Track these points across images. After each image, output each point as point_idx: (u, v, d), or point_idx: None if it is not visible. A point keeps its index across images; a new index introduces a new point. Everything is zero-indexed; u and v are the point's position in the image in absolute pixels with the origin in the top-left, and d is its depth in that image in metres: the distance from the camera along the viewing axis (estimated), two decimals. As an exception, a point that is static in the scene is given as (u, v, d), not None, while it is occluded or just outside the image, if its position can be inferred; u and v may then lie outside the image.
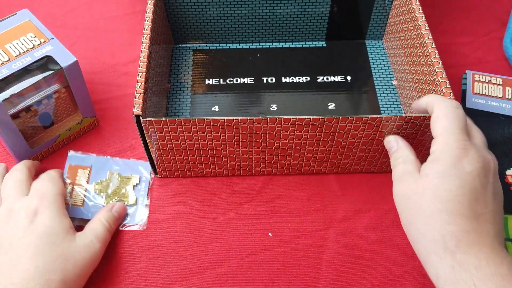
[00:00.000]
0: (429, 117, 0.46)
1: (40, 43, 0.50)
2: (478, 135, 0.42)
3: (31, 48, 0.50)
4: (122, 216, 0.51)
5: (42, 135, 0.55)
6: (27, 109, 0.51)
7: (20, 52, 0.49)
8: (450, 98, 0.47)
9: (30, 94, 0.50)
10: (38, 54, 0.49)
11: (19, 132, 0.50)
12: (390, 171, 0.55)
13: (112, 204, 0.51)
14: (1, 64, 0.48)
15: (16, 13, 0.53)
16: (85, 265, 0.44)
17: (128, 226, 0.51)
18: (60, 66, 0.49)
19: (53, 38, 0.51)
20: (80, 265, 0.43)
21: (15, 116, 0.50)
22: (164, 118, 0.45)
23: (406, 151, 0.44)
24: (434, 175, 0.38)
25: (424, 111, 0.45)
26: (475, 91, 0.62)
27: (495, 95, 0.62)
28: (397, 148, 0.45)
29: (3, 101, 0.46)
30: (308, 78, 0.63)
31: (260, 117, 0.45)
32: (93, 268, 0.45)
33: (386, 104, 0.61)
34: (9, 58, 0.48)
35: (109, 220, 0.48)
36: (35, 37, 0.51)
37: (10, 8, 0.72)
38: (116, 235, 0.50)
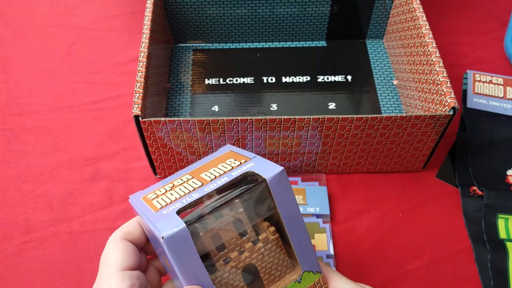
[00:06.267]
0: (430, 116, 0.46)
1: (240, 163, 0.36)
2: None
3: (228, 170, 0.35)
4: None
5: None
6: (227, 258, 0.33)
7: (216, 175, 0.34)
8: (450, 97, 0.47)
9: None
10: (236, 173, 0.34)
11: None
12: (390, 171, 0.55)
13: None
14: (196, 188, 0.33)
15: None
16: None
17: None
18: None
19: (255, 157, 0.36)
20: None
21: (207, 261, 0.32)
22: (163, 118, 0.45)
23: None
24: None
25: None
26: (476, 91, 0.62)
27: (496, 95, 0.62)
28: None
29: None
30: (309, 78, 0.63)
31: (260, 117, 0.45)
32: None
33: (386, 103, 0.60)
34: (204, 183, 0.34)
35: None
36: (235, 161, 0.36)
37: (10, 8, 0.72)
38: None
